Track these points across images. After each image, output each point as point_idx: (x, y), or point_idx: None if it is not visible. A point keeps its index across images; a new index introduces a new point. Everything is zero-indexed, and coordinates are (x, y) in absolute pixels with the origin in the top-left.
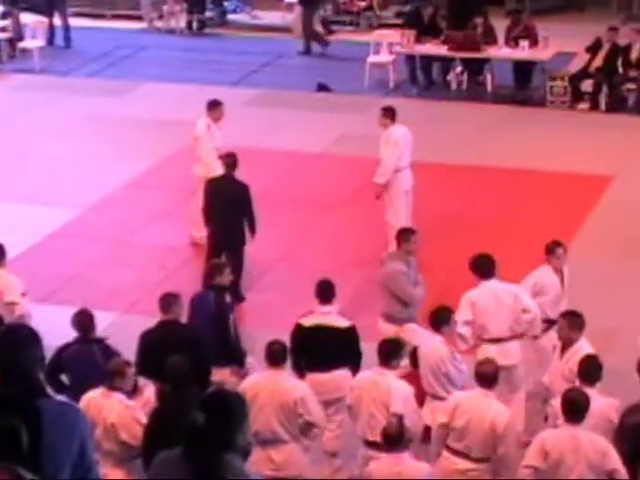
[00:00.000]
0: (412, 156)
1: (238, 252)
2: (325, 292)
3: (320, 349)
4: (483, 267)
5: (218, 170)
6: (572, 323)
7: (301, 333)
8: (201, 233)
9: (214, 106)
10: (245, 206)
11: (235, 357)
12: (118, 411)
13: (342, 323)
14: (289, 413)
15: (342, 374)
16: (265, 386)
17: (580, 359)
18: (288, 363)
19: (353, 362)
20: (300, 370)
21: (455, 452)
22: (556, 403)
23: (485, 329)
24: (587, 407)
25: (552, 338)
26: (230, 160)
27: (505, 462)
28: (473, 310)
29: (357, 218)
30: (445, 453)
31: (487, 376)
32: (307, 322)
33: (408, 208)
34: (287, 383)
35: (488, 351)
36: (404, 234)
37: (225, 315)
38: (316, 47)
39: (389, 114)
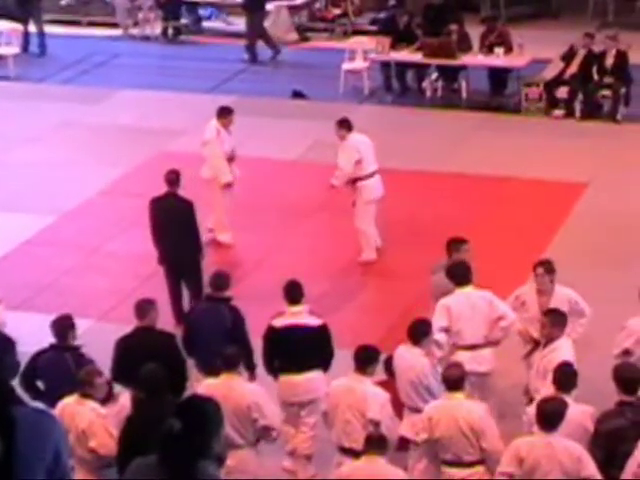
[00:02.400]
0: (381, 163)
1: (195, 268)
2: (293, 293)
3: (293, 349)
4: (459, 274)
5: (228, 175)
6: (554, 321)
7: (273, 334)
8: (225, 236)
9: (225, 113)
10: (190, 223)
11: (250, 367)
12: (89, 419)
13: (314, 322)
14: (243, 418)
15: (315, 376)
16: (219, 391)
17: (555, 367)
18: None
19: (325, 361)
20: (273, 372)
21: (448, 463)
22: (531, 411)
23: (460, 336)
24: (562, 416)
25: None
26: (172, 177)
27: (494, 456)
28: (449, 316)
29: (331, 225)
30: (442, 467)
31: (454, 379)
32: (278, 323)
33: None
34: (241, 388)
35: (462, 358)
36: (454, 244)
37: (243, 327)
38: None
39: (344, 125)
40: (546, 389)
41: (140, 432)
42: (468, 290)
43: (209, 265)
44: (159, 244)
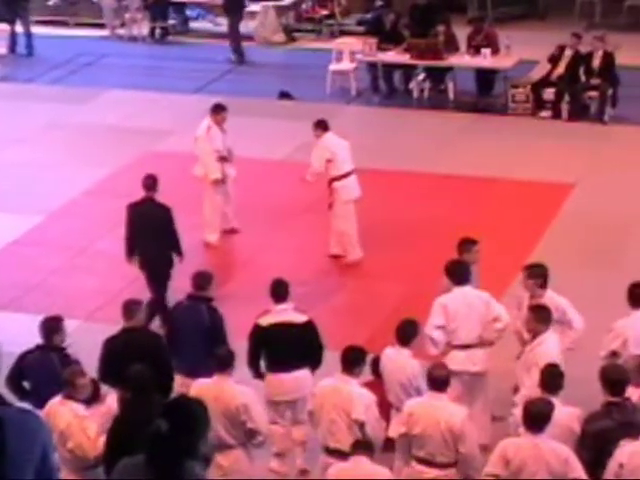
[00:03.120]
0: (368, 164)
1: (161, 276)
2: (279, 291)
3: (280, 347)
4: (458, 273)
5: (216, 172)
6: (538, 316)
7: (260, 333)
8: (212, 237)
9: (218, 110)
10: (168, 228)
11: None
12: (67, 420)
13: (299, 318)
14: (232, 419)
15: (303, 374)
16: (210, 391)
17: (542, 368)
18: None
19: (314, 357)
20: (257, 372)
21: (420, 460)
22: (517, 412)
23: (455, 334)
24: (549, 417)
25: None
26: (150, 182)
27: (470, 462)
28: (445, 315)
29: (318, 225)
30: (412, 463)
31: (440, 380)
32: (265, 321)
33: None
34: (232, 389)
35: (457, 357)
36: (465, 244)
37: (221, 326)
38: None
39: (320, 126)
40: (530, 382)
41: (127, 433)
42: (466, 289)
43: (197, 266)
44: (137, 249)
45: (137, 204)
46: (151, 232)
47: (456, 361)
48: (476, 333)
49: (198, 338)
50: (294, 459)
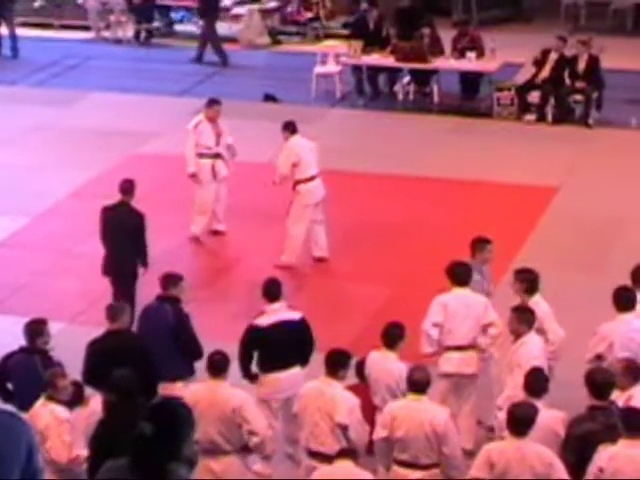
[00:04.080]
0: (352, 166)
1: (129, 281)
2: (272, 290)
3: (279, 346)
4: (460, 274)
5: (191, 165)
6: (520, 317)
7: (259, 334)
8: (197, 228)
9: (209, 104)
10: (138, 236)
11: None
12: (46, 421)
13: (295, 316)
14: (228, 423)
15: (297, 371)
16: (204, 396)
17: (526, 372)
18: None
19: (307, 353)
20: (248, 372)
21: (403, 463)
22: (502, 416)
23: (451, 334)
24: (532, 421)
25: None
26: (126, 186)
27: (452, 461)
28: (445, 313)
29: None
30: (394, 467)
31: (421, 382)
32: (263, 322)
33: (322, 219)
34: (226, 392)
35: (452, 359)
36: (479, 243)
37: (187, 325)
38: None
39: (288, 128)
40: (513, 383)
41: (112, 436)
42: (465, 291)
43: (184, 266)
44: (105, 252)
45: (111, 207)
46: (122, 236)
47: (451, 363)
48: (471, 335)
49: (164, 338)
50: (294, 455)
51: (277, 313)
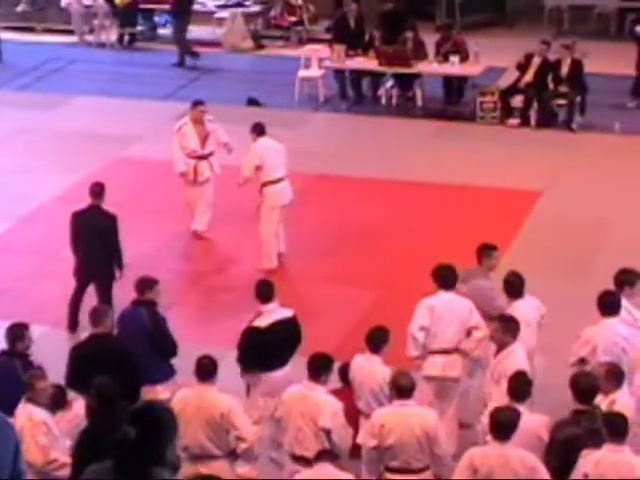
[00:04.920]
0: (335, 170)
1: (105, 285)
2: (266, 291)
3: (278, 345)
4: (446, 277)
5: (179, 165)
6: (505, 327)
7: (260, 335)
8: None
9: (192, 106)
10: (111, 238)
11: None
12: (22, 423)
13: (288, 313)
14: (216, 427)
15: (289, 369)
16: (192, 401)
17: (510, 376)
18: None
19: (295, 349)
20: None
21: (395, 470)
22: (485, 420)
23: (436, 338)
24: (515, 425)
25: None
26: (97, 189)
27: (442, 460)
28: (431, 316)
29: (284, 230)
30: (386, 474)
31: (406, 388)
32: (262, 323)
33: (284, 222)
34: (214, 397)
35: (436, 363)
36: (485, 250)
37: (163, 327)
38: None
39: (255, 130)
40: (498, 395)
41: (95, 441)
42: (451, 295)
43: (166, 269)
44: (76, 255)
45: (81, 212)
46: (95, 240)
47: (435, 366)
48: (456, 338)
49: (142, 342)
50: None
51: (273, 313)
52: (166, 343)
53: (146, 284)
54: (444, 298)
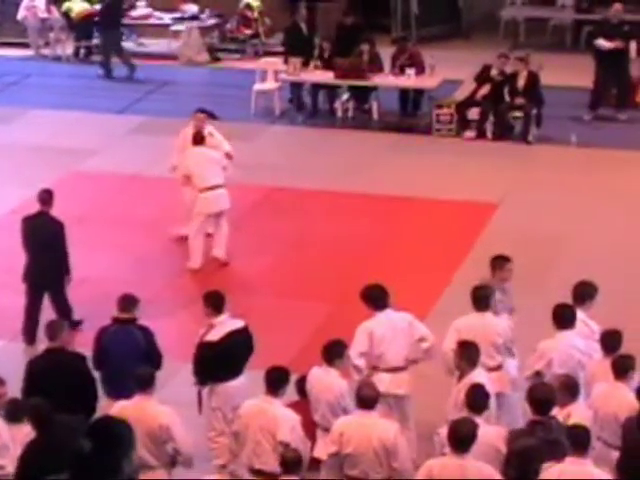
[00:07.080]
0: (292, 183)
1: (56, 291)
2: (218, 302)
3: (231, 357)
4: (376, 298)
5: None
6: (464, 354)
7: (214, 349)
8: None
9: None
10: (59, 244)
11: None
12: None
13: (239, 324)
14: (155, 439)
15: (244, 379)
16: (132, 412)
17: (467, 388)
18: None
19: (248, 358)
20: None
21: (354, 479)
22: (443, 432)
23: (382, 359)
24: (473, 437)
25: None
26: (45, 196)
27: (403, 475)
28: (370, 340)
29: (241, 242)
30: None
31: (369, 399)
32: (215, 337)
33: (222, 231)
34: (154, 409)
35: (383, 380)
36: (498, 261)
37: (156, 346)
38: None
39: (195, 139)
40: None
41: (40, 455)
42: (388, 312)
43: (125, 282)
44: (26, 259)
45: (31, 217)
46: (41, 246)
47: (382, 384)
48: (402, 356)
49: (136, 361)
50: (236, 471)
51: (224, 325)
52: (159, 361)
53: (130, 302)
54: (381, 319)
